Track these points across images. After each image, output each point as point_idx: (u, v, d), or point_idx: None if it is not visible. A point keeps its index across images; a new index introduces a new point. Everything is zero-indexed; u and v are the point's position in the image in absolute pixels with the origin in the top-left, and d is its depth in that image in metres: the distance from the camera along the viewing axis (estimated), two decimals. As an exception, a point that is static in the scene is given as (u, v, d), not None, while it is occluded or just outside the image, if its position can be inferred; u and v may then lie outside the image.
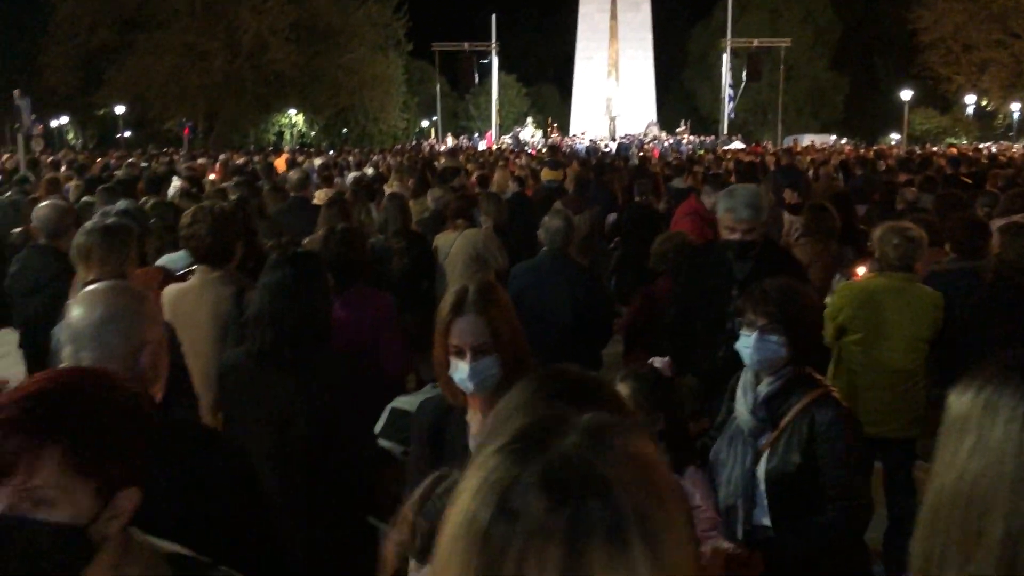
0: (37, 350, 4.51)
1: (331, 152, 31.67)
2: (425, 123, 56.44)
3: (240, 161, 18.62)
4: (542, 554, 0.72)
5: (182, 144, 39.64)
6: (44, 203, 5.17)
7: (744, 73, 43.87)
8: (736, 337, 3.05)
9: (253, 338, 3.07)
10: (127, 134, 47.83)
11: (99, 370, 1.56)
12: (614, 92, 49.12)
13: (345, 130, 52.26)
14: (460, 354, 2.42)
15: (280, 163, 16.59)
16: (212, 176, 14.24)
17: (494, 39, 45.32)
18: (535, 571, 0.71)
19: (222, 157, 20.87)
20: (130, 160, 17.02)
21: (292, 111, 50.19)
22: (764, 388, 2.98)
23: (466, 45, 44.84)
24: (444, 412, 2.60)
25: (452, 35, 45.30)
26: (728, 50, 44.73)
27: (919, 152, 26.47)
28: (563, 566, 0.71)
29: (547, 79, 64.00)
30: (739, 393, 3.04)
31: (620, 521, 0.73)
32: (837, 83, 56.33)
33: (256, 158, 22.22)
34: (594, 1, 50.87)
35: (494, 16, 43.77)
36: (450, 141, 42.90)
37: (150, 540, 1.52)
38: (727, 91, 45.74)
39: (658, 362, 2.97)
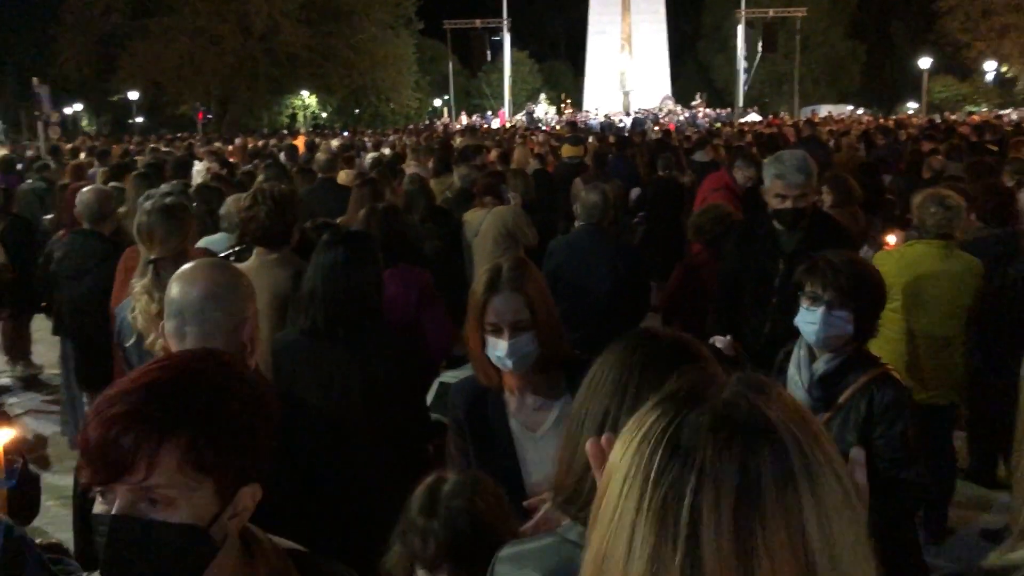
0: (85, 331, 4.62)
1: (345, 133, 31.71)
2: (437, 102, 56.29)
3: (259, 144, 18.68)
4: (717, 491, 0.75)
5: (196, 128, 39.82)
6: (87, 189, 5.25)
7: (759, 44, 43.45)
8: (783, 312, 2.98)
9: (306, 316, 3.11)
10: (140, 120, 48.03)
11: (221, 355, 1.44)
12: (628, 66, 48.71)
13: (357, 111, 52.20)
14: (498, 332, 2.42)
15: (299, 145, 16.62)
16: (230, 160, 14.29)
17: (505, 15, 45.08)
18: (710, 509, 0.74)
19: (237, 141, 20.94)
20: (153, 146, 17.12)
21: (304, 93, 50.18)
22: (822, 366, 2.90)
23: (477, 22, 44.60)
24: (480, 393, 2.59)
25: (463, 12, 45.05)
26: (743, 21, 44.28)
27: (941, 120, 26.22)
28: (737, 502, 0.74)
29: (559, 55, 63.63)
30: (792, 370, 2.95)
31: (787, 460, 0.77)
32: (854, 52, 55.58)
33: (272, 141, 22.29)
34: (606, -26, 50.44)
35: (505, -8, 43.57)
36: (464, 119, 42.82)
37: (271, 538, 1.44)
38: (742, 63, 45.34)
39: (720, 342, 2.91)
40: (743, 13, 44.01)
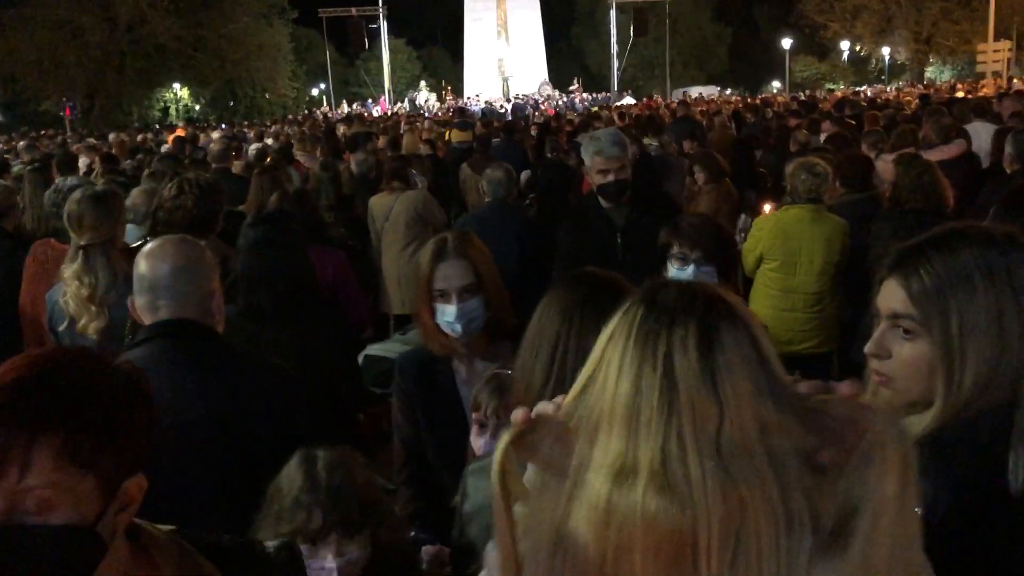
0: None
1: (223, 126, 30.88)
2: (315, 91, 55.32)
3: (138, 139, 18.14)
4: (685, 330, 0.99)
5: (62, 125, 37.92)
6: (-15, 184, 5.14)
7: (631, 28, 44.60)
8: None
9: (245, 296, 3.20)
10: (-3, 117, 45.32)
11: (85, 351, 1.38)
12: (505, 52, 49.22)
13: (233, 103, 50.76)
14: (446, 297, 2.50)
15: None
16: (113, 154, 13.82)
17: (381, 2, 44.71)
18: (681, 341, 0.99)
19: (112, 136, 20.19)
20: (25, 143, 16.43)
21: (176, 85, 48.44)
22: None
23: (353, 11, 44.05)
24: (428, 363, 2.64)
25: (338, 0, 44.42)
26: (614, 6, 45.34)
27: (807, 96, 27.63)
28: (700, 336, 0.99)
29: (437, 42, 63.51)
30: None
31: (735, 312, 1.03)
32: (720, 35, 57.78)
33: (148, 135, 21.60)
34: (480, -39, 50.65)
35: (380, -21, 43.20)
36: (344, 108, 42.31)
37: (157, 527, 1.39)
38: (615, 47, 46.45)
39: None
40: (614, -2, 45.10)
